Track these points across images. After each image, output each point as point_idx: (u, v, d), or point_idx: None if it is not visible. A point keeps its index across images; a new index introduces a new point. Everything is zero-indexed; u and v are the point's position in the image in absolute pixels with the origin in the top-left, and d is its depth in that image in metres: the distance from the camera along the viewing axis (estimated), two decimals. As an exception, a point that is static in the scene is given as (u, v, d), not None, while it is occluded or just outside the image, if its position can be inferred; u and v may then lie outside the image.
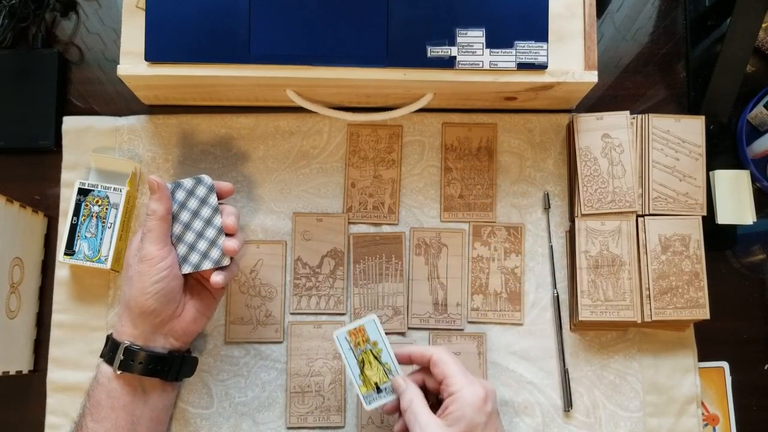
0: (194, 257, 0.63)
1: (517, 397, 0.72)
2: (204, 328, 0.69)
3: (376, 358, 0.64)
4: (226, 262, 0.63)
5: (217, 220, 0.63)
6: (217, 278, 0.62)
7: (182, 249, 0.63)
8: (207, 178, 0.64)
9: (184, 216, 0.63)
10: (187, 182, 0.63)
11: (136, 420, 0.61)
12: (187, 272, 0.63)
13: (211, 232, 0.63)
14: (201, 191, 0.63)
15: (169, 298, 0.61)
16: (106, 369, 0.61)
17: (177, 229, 0.63)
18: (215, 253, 0.63)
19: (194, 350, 0.71)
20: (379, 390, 0.64)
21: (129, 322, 0.61)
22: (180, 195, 0.63)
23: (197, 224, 0.63)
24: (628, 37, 0.80)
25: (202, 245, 0.63)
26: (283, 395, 0.72)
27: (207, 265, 0.63)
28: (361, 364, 0.64)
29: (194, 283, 0.65)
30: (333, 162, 0.76)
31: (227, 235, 0.63)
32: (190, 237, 0.63)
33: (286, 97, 0.70)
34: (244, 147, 0.76)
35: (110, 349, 0.62)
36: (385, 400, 0.64)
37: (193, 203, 0.63)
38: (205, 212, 0.63)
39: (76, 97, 0.78)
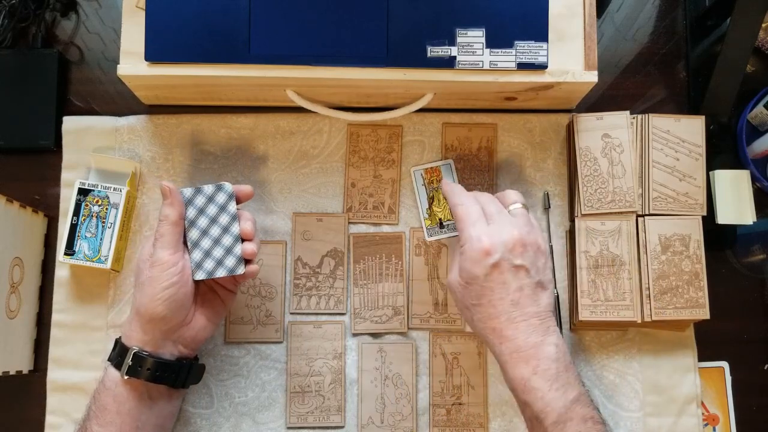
0: (209, 264, 0.62)
1: (517, 397, 0.72)
2: (211, 335, 0.69)
3: (445, 197, 0.70)
4: (240, 270, 0.63)
5: (235, 228, 0.63)
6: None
7: (197, 255, 0.62)
8: (228, 186, 0.63)
9: (202, 222, 0.63)
10: (208, 188, 0.63)
11: (141, 426, 0.61)
12: (200, 279, 0.62)
13: (227, 240, 0.63)
14: (221, 198, 0.63)
15: (179, 304, 0.61)
16: (114, 373, 0.61)
17: (194, 234, 0.63)
18: (230, 262, 0.63)
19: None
20: (441, 226, 0.71)
21: (139, 328, 0.61)
22: (199, 200, 0.63)
23: (215, 231, 0.63)
24: (628, 37, 0.80)
25: (218, 252, 0.63)
26: (283, 395, 0.72)
27: (221, 273, 0.62)
28: (430, 200, 0.73)
29: (205, 290, 0.65)
30: (333, 162, 0.76)
31: (244, 240, 0.63)
32: (206, 243, 0.63)
33: (286, 97, 0.70)
34: (244, 147, 0.76)
35: (118, 354, 0.61)
36: (444, 235, 0.72)
37: (212, 210, 0.63)
38: (224, 219, 0.63)
39: (76, 97, 0.78)
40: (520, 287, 0.59)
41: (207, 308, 0.64)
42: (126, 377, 0.60)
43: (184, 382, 0.64)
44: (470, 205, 0.63)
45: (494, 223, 0.61)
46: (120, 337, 0.63)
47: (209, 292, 0.65)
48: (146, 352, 0.61)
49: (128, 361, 0.60)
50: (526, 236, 0.60)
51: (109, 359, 0.62)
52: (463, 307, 0.62)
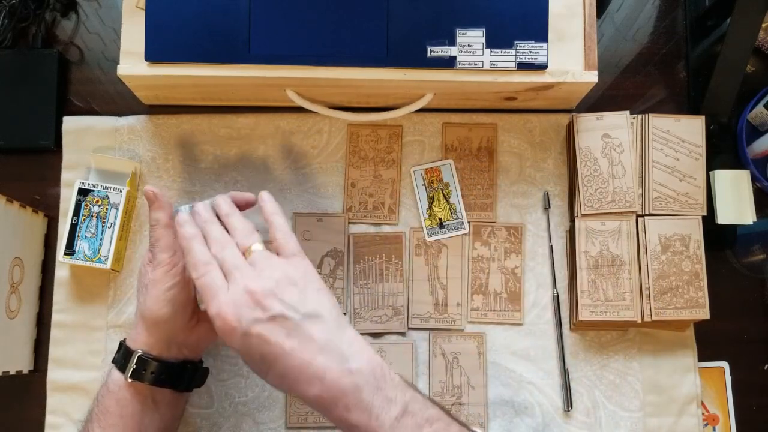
0: None
1: (517, 397, 0.72)
2: (215, 340, 0.68)
3: (445, 197, 0.72)
4: None
5: None
6: None
7: None
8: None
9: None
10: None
11: (144, 429, 0.61)
12: None
13: None
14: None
15: (182, 305, 0.61)
16: (117, 376, 0.61)
17: None
18: None
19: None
20: (441, 226, 0.72)
21: (144, 331, 0.61)
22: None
23: None
24: (628, 37, 0.80)
25: None
26: (283, 395, 0.72)
27: None
28: (430, 200, 0.73)
29: None
30: (333, 162, 0.76)
31: None
32: None
33: (286, 97, 0.70)
34: (244, 147, 0.76)
35: (122, 356, 0.61)
36: (444, 235, 0.73)
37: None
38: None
39: (76, 97, 0.78)
40: (289, 334, 0.52)
41: None
42: (130, 380, 0.60)
43: (188, 386, 0.64)
44: (208, 273, 0.55)
45: (233, 283, 0.53)
46: (125, 339, 0.63)
47: None
48: (151, 355, 0.60)
49: (132, 364, 0.60)
50: (266, 281, 0.53)
51: (113, 361, 0.62)
52: (260, 373, 0.55)
